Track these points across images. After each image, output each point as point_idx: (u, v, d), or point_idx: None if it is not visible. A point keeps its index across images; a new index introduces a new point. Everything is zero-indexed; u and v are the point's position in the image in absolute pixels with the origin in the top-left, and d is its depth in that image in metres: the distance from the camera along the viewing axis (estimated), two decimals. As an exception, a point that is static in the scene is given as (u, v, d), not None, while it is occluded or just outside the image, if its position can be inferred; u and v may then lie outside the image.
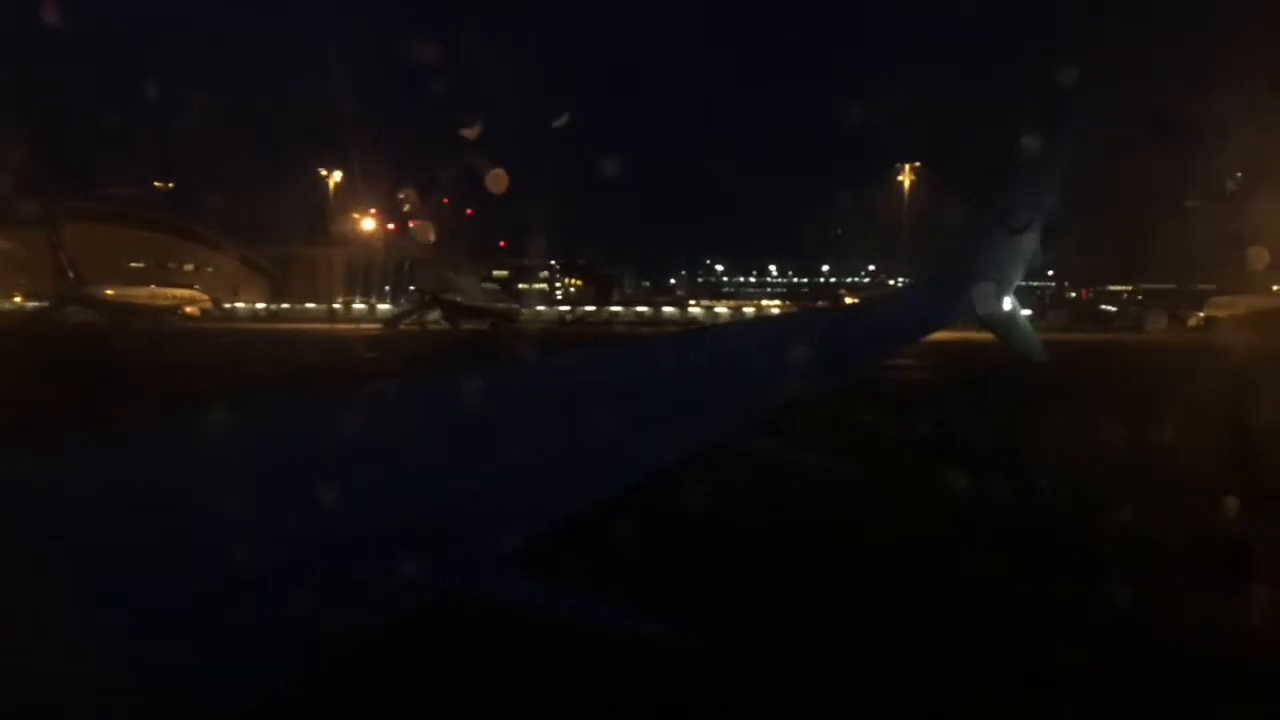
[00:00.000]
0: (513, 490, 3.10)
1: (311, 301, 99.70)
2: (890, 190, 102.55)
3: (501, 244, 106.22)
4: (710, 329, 29.50)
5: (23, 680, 1.65)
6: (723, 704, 5.35)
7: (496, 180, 57.40)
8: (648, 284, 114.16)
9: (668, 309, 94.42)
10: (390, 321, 72.90)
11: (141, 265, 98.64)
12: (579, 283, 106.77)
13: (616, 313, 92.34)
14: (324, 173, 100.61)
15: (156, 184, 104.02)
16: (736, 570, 7.66)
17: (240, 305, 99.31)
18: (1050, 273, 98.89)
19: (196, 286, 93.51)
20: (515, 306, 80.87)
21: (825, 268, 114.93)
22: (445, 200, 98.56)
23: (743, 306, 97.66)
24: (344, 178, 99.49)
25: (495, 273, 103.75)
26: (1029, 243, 9.25)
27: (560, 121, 64.48)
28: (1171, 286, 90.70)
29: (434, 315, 69.51)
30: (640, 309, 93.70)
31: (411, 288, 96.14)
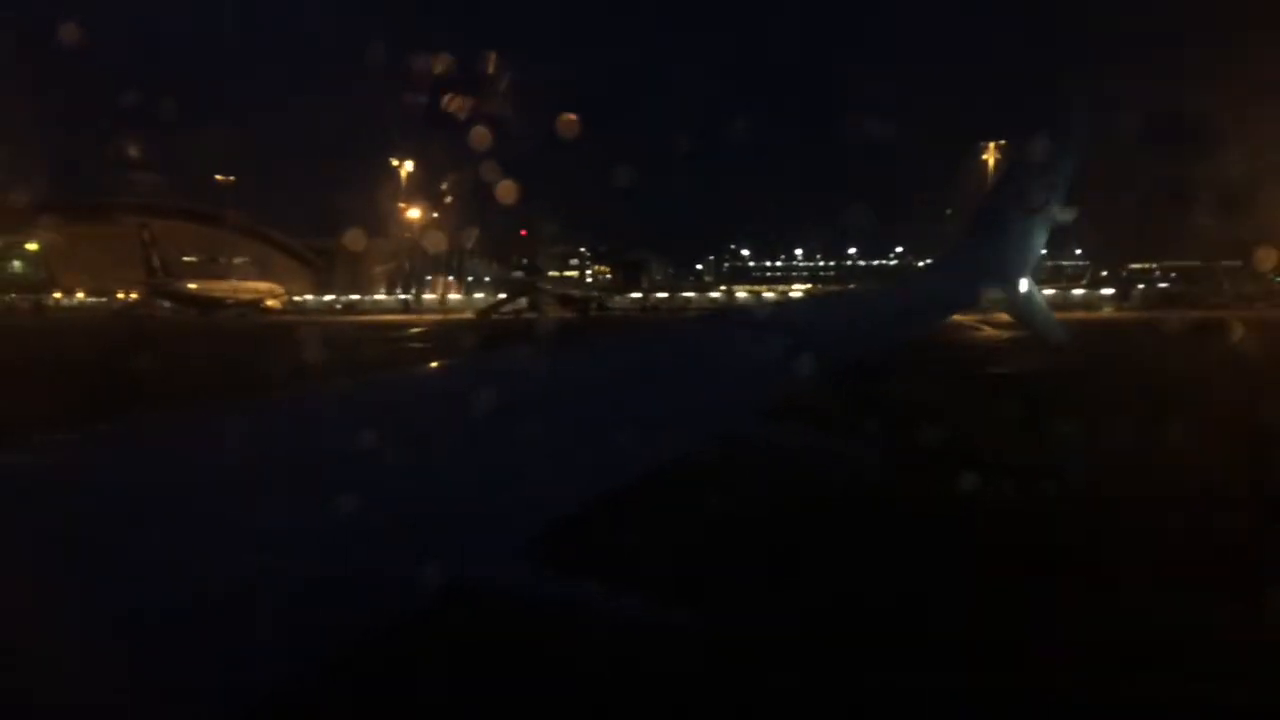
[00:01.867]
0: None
1: (354, 293, 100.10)
2: (916, 171, 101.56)
3: (523, 233, 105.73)
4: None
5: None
6: (742, 692, 5.12)
7: (505, 190, 57.96)
8: (673, 271, 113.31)
9: (741, 293, 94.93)
10: (485, 311, 73.91)
11: (194, 260, 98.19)
12: (607, 270, 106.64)
13: (689, 298, 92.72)
14: (364, 164, 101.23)
15: (218, 177, 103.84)
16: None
17: (309, 298, 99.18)
18: (1079, 251, 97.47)
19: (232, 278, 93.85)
20: (600, 295, 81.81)
21: (852, 250, 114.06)
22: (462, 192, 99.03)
23: (790, 290, 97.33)
24: (385, 170, 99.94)
25: (524, 261, 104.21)
26: (1046, 223, 8.97)
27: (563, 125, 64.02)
28: (1197, 264, 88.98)
29: (522, 304, 71.24)
30: (713, 294, 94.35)
31: (485, 278, 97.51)
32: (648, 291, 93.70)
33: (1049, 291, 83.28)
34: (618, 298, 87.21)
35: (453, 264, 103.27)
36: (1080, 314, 62.91)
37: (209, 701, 1.69)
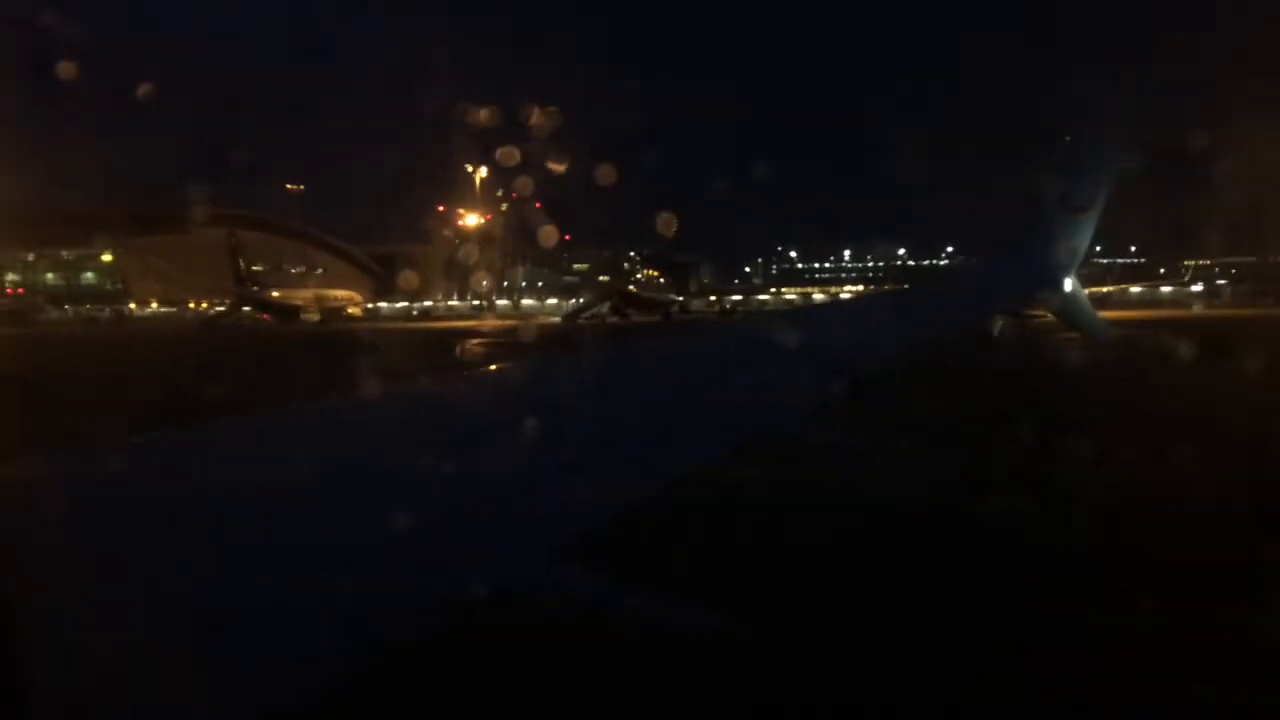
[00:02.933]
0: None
1: (414, 301, 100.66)
2: (962, 169, 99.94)
3: (567, 237, 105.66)
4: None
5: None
6: (784, 696, 5.05)
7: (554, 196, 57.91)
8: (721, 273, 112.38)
9: (789, 295, 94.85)
10: (570, 315, 74.62)
11: (261, 269, 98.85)
12: (656, 273, 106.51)
13: (765, 300, 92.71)
14: (421, 171, 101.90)
15: (289, 186, 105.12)
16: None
17: (383, 305, 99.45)
18: (1133, 248, 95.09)
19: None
20: (681, 299, 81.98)
21: (901, 250, 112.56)
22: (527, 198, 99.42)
23: (840, 291, 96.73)
24: (444, 176, 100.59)
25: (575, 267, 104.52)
26: (1090, 222, 8.78)
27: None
28: (1253, 260, 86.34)
29: (604, 308, 72.10)
30: (789, 295, 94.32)
31: (538, 283, 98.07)
32: (695, 295, 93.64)
33: (1135, 289, 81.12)
34: (696, 301, 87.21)
35: (505, 270, 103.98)
36: (1176, 312, 59.59)
37: (280, 687, 1.73)
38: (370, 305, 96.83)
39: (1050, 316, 9.72)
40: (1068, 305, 9.07)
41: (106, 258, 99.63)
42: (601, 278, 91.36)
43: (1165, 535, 7.77)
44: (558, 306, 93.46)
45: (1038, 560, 7.19)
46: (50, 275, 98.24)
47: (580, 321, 69.36)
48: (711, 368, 4.27)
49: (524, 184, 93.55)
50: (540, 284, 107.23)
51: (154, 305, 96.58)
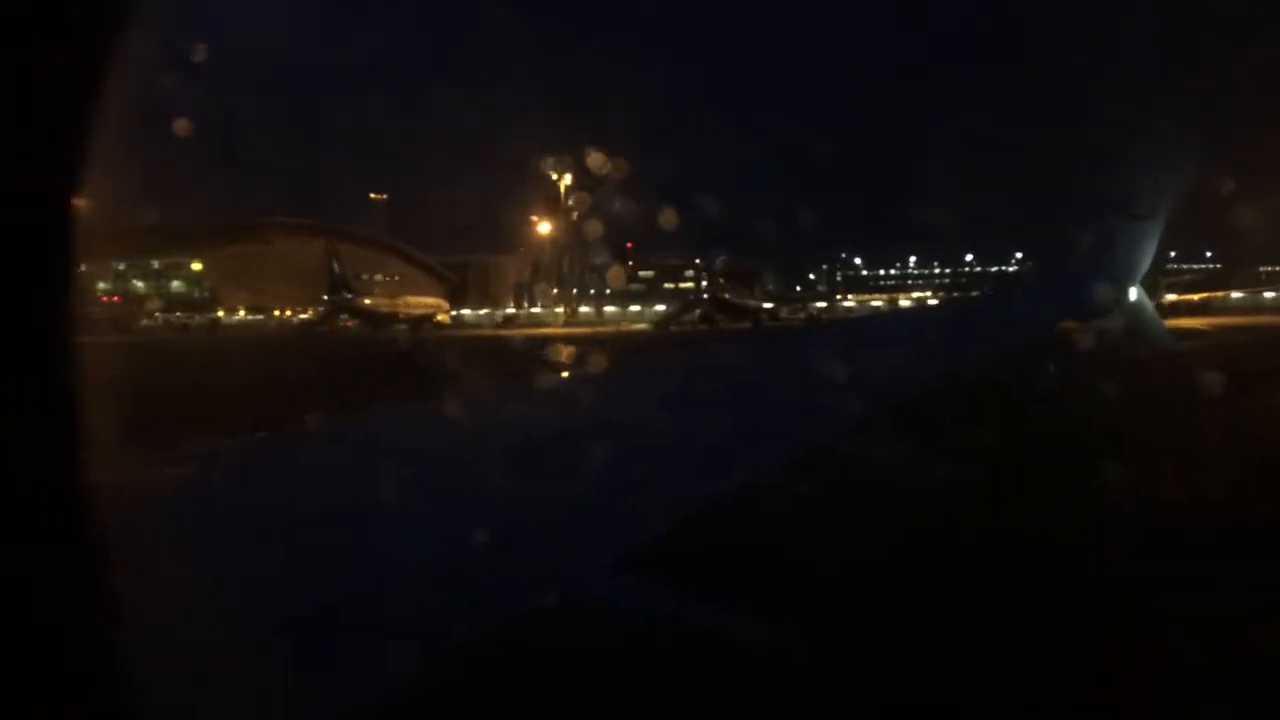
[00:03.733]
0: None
1: (486, 307, 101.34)
2: (1030, 174, 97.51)
3: (629, 245, 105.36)
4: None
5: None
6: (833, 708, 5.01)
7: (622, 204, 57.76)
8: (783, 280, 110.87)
9: (848, 302, 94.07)
10: (661, 323, 75.11)
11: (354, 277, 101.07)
12: (721, 280, 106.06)
13: (851, 307, 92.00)
14: (492, 181, 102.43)
15: (371, 195, 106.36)
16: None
17: (466, 312, 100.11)
18: (1209, 254, 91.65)
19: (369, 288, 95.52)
20: (770, 306, 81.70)
21: (969, 257, 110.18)
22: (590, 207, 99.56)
23: (903, 299, 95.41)
24: (513, 184, 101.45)
25: (643, 272, 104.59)
26: (1155, 230, 8.55)
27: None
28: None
29: (695, 316, 72.61)
30: (875, 302, 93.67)
31: (606, 290, 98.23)
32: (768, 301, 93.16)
33: (1237, 295, 78.06)
34: (785, 309, 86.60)
35: (574, 277, 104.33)
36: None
37: (358, 689, 1.78)
38: (453, 313, 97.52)
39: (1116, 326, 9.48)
40: (1133, 315, 8.85)
41: (196, 266, 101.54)
42: (682, 284, 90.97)
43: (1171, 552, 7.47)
44: (640, 313, 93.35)
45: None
46: (140, 283, 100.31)
47: (673, 329, 69.13)
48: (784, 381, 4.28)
49: (589, 196, 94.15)
50: (607, 291, 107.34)
51: (241, 312, 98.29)
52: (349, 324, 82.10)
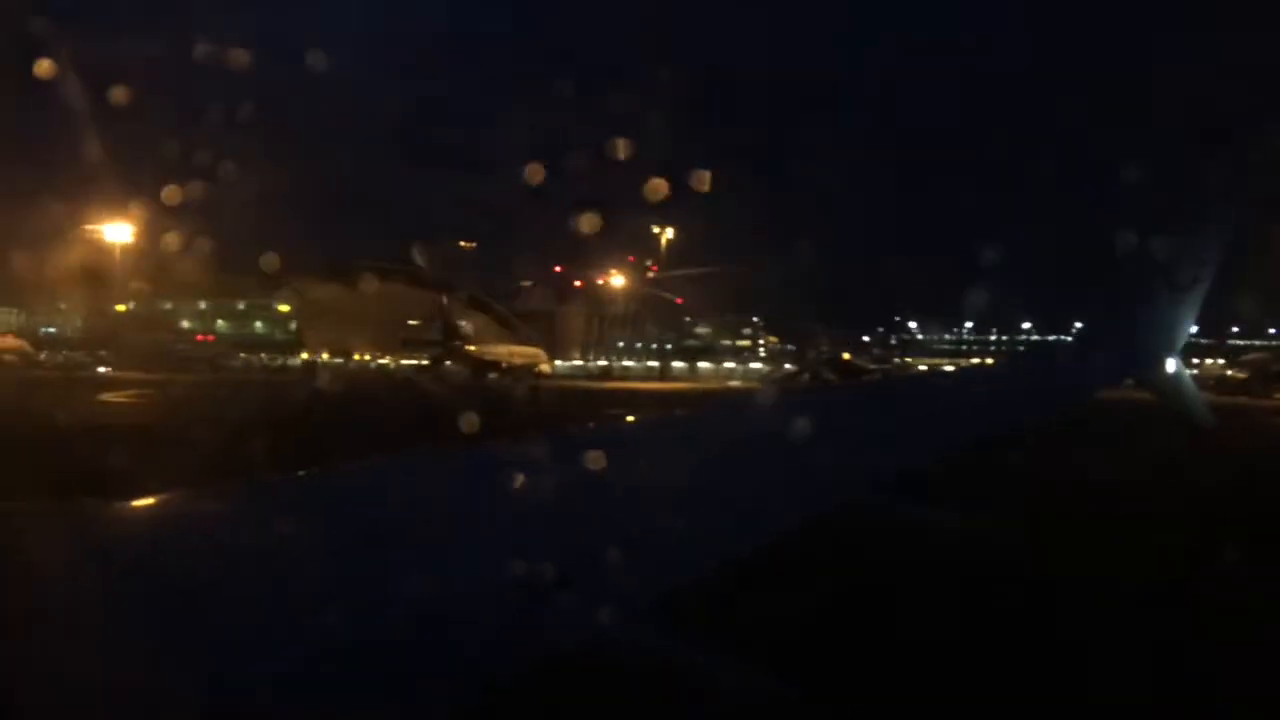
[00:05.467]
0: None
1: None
2: (1088, 246, 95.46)
3: (678, 300, 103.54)
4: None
5: None
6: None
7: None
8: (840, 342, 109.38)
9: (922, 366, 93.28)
10: (780, 380, 75.95)
11: (416, 323, 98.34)
12: (776, 339, 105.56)
13: (924, 369, 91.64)
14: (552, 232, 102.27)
15: (461, 243, 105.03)
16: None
17: (560, 363, 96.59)
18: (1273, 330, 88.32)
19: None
20: (877, 368, 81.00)
21: (1026, 325, 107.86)
22: (654, 267, 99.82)
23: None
24: (579, 234, 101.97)
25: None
26: (1195, 301, 8.14)
27: None
28: None
29: (804, 374, 73.32)
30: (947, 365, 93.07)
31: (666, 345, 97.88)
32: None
33: None
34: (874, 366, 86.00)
35: (636, 332, 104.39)
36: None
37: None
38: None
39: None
40: (1171, 387, 8.41)
41: (284, 308, 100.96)
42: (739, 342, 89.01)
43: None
44: (733, 371, 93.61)
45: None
46: (221, 322, 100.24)
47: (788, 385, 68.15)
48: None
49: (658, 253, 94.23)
50: (669, 346, 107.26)
51: (325, 355, 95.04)
52: (473, 371, 77.14)
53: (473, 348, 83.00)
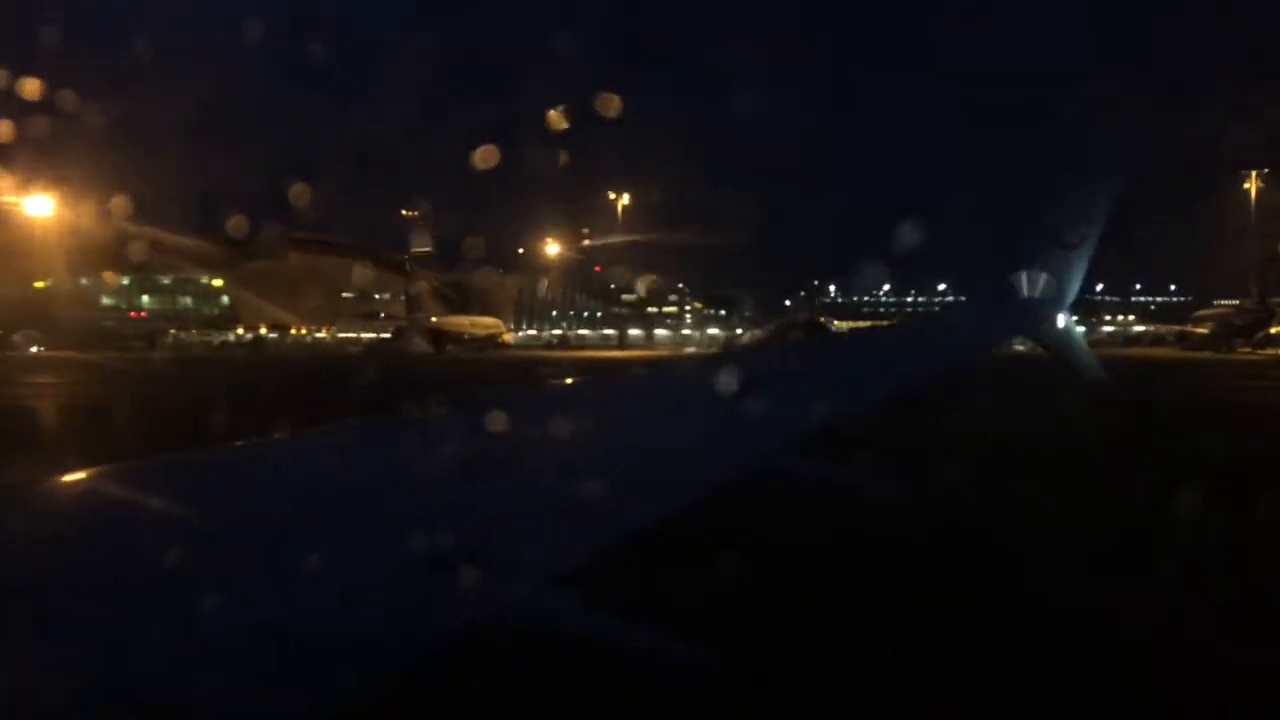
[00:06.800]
0: None
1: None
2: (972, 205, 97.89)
3: (596, 269, 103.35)
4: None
5: None
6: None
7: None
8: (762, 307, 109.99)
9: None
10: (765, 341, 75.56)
11: (351, 295, 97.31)
12: (701, 305, 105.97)
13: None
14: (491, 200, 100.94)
15: (404, 212, 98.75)
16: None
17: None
18: (1173, 287, 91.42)
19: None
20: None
21: (941, 286, 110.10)
22: (586, 235, 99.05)
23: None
24: (515, 204, 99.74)
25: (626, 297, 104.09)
26: (1083, 259, 8.37)
27: None
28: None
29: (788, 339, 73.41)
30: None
31: (598, 313, 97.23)
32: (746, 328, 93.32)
33: None
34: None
35: (566, 300, 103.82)
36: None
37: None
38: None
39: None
40: (1061, 342, 8.64)
41: (218, 283, 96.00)
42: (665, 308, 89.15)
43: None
44: (689, 337, 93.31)
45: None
46: (147, 299, 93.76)
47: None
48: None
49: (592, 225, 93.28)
50: (599, 314, 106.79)
51: (263, 330, 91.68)
52: (436, 343, 76.20)
53: (434, 319, 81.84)
